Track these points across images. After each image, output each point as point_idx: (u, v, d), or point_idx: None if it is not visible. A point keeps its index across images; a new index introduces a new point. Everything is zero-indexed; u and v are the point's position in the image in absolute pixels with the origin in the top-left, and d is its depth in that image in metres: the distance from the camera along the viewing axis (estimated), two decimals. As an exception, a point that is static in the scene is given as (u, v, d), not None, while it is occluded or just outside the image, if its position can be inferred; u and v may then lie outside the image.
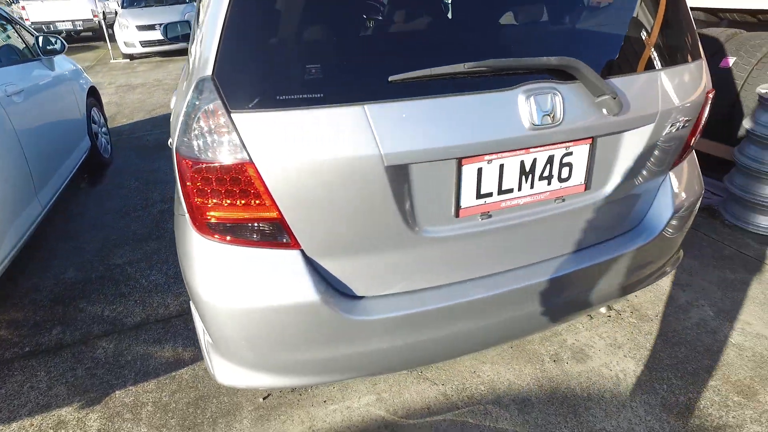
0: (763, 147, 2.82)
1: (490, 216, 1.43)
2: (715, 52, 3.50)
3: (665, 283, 2.58)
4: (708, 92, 1.69)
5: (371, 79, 1.20)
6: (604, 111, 1.37)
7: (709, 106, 1.77)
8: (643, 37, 1.54)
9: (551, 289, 1.58)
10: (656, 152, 1.61)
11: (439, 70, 1.20)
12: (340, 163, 1.20)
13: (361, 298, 1.44)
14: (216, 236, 1.34)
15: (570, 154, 1.44)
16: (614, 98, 1.33)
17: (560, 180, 1.46)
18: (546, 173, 1.43)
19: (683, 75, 1.58)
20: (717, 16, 3.86)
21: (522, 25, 1.43)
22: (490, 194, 1.39)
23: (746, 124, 2.89)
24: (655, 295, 2.49)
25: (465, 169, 1.32)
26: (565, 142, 1.40)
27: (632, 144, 1.53)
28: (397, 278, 1.43)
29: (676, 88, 1.55)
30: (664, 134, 1.57)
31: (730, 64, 3.37)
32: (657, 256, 1.83)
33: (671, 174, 1.76)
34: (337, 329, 1.39)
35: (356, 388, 2.01)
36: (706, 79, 1.68)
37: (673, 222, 1.77)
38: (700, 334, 2.23)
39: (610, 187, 1.58)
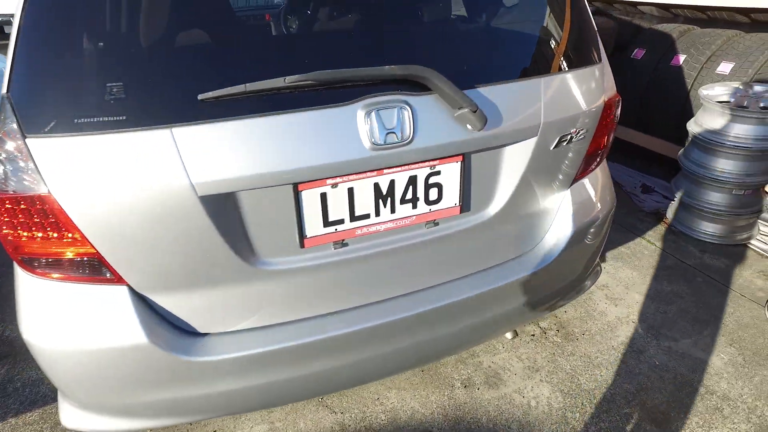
0: (707, 152, 2.68)
1: (345, 244, 1.28)
2: (667, 49, 3.35)
3: (598, 297, 2.45)
4: (609, 99, 1.55)
5: (179, 99, 1.05)
6: (468, 126, 1.22)
7: (616, 113, 1.63)
8: (526, 40, 1.39)
9: (431, 321, 1.44)
10: (548, 168, 1.46)
11: (255, 86, 1.04)
12: (146, 194, 1.05)
13: (204, 335, 1.29)
14: (35, 271, 1.20)
15: (437, 173, 1.29)
16: (474, 111, 1.18)
17: (428, 202, 1.32)
18: (409, 196, 1.28)
19: (574, 81, 1.43)
20: (670, 12, 3.70)
21: (373, 30, 1.27)
22: (341, 221, 1.24)
23: (690, 126, 2.75)
24: (585, 311, 2.36)
25: (304, 195, 1.17)
26: (428, 161, 1.25)
27: (515, 160, 1.39)
28: (245, 314, 1.29)
29: (565, 97, 1.40)
30: (552, 148, 1.42)
31: (681, 62, 3.22)
32: (563, 277, 1.69)
33: (573, 190, 1.61)
34: (173, 371, 1.24)
35: (250, 417, 1.87)
36: (605, 86, 1.54)
37: (578, 242, 1.63)
38: (625, 354, 2.10)
39: (494, 208, 1.43)
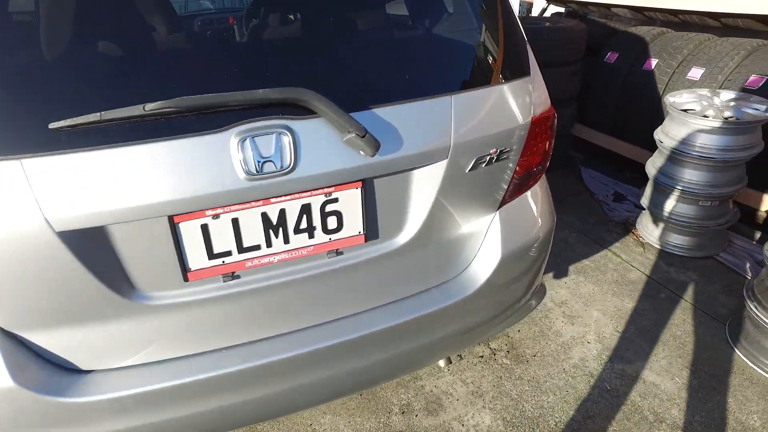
0: (673, 161, 2.57)
1: (237, 277, 1.20)
2: (640, 53, 3.24)
3: (555, 315, 2.35)
4: (540, 115, 1.45)
5: (30, 127, 0.97)
6: (360, 152, 1.14)
7: (552, 129, 1.53)
8: (435, 53, 1.30)
9: (344, 354, 1.35)
10: (467, 191, 1.37)
11: (112, 114, 0.96)
12: (-4, 230, 0.98)
13: (88, 373, 1.22)
14: None
15: (334, 200, 1.20)
16: (362, 136, 1.09)
17: (327, 231, 1.23)
18: (304, 225, 1.20)
19: (494, 98, 1.33)
20: (643, 14, 3.59)
21: (257, 47, 1.19)
22: (228, 253, 1.16)
23: (657, 135, 2.65)
24: (540, 330, 2.26)
25: (182, 227, 1.09)
26: (321, 189, 1.17)
27: (425, 184, 1.29)
28: (132, 349, 1.21)
29: (482, 115, 1.31)
30: (469, 171, 1.33)
31: (653, 67, 3.11)
32: (496, 302, 1.60)
33: (502, 212, 1.51)
34: (51, 414, 1.16)
35: (177, 448, 1.80)
36: (535, 101, 1.44)
37: (511, 266, 1.54)
38: (576, 377, 2.00)
39: (406, 236, 1.34)
